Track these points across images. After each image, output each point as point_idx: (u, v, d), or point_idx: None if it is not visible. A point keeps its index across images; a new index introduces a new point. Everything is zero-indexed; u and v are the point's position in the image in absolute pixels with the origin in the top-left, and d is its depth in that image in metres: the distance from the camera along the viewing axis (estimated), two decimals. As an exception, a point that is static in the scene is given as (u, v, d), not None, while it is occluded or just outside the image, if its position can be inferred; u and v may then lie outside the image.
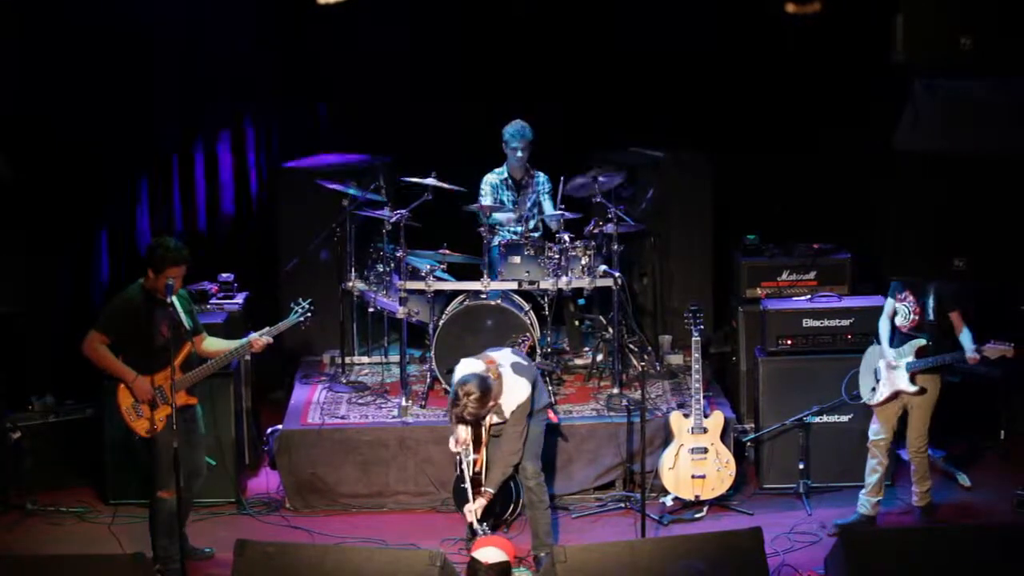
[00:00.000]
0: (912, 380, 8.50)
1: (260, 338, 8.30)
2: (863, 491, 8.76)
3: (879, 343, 8.69)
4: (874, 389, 8.66)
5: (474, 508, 8.27)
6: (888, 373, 8.58)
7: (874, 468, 8.71)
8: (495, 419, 8.24)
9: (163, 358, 8.01)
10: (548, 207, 10.12)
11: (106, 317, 8.08)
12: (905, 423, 8.71)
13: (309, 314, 8.49)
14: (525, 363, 8.30)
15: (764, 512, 9.06)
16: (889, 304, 8.67)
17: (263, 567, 7.32)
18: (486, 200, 10.01)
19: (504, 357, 8.28)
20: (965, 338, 8.43)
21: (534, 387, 8.28)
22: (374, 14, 10.88)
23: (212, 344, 8.40)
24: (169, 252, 7.98)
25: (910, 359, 8.50)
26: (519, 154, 10.00)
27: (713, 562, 7.34)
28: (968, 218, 9.50)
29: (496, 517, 8.84)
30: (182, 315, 8.13)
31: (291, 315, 8.48)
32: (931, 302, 8.43)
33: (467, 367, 8.12)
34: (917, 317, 8.48)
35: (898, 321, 8.57)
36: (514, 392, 8.13)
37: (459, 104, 10.97)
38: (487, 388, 7.93)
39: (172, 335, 8.02)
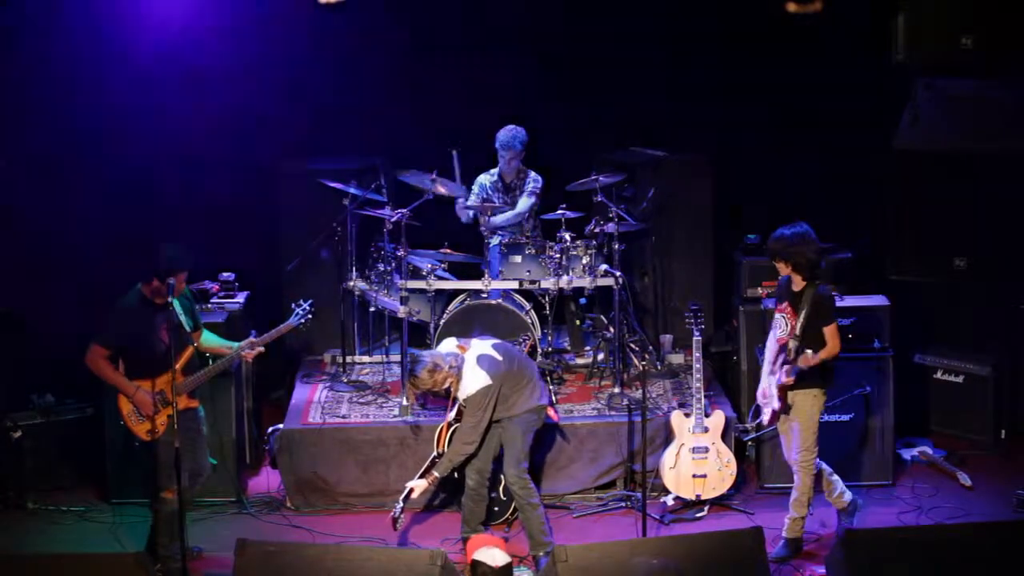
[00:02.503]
0: (780, 396, 8.28)
1: (252, 349, 8.34)
2: (829, 497, 8.60)
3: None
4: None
5: (412, 485, 8.41)
6: (769, 391, 8.41)
7: (825, 479, 8.57)
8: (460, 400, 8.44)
9: (164, 362, 8.01)
10: (521, 203, 10.08)
11: (105, 329, 8.05)
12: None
13: (309, 316, 8.52)
14: (499, 358, 8.35)
15: (765, 511, 9.05)
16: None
17: (264, 566, 7.33)
18: (472, 199, 10.02)
19: (479, 347, 8.42)
20: (792, 368, 8.15)
21: (517, 385, 8.35)
22: (373, 12, 10.86)
23: (209, 340, 8.42)
24: (176, 258, 7.98)
25: (780, 376, 8.32)
26: (507, 162, 10.00)
27: (714, 562, 7.34)
28: (968, 217, 9.52)
29: (496, 516, 8.87)
30: (182, 317, 8.14)
31: (291, 317, 8.51)
32: (803, 316, 8.17)
33: (443, 346, 8.52)
34: (791, 329, 8.22)
35: (777, 333, 8.34)
36: (469, 382, 8.29)
37: (460, 103, 10.96)
38: (432, 370, 8.26)
39: (173, 339, 8.01)
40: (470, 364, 8.33)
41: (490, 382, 8.26)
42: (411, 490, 8.42)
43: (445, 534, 8.78)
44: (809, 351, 8.05)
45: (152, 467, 8.20)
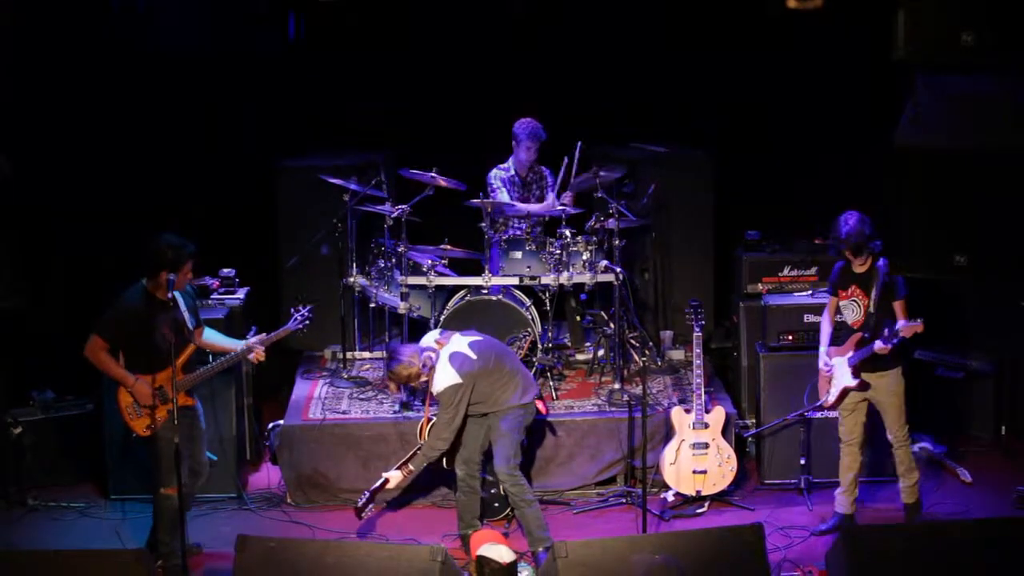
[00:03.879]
0: (855, 374, 8.44)
1: (257, 350, 8.35)
2: (838, 490, 8.73)
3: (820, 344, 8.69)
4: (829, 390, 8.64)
5: (387, 476, 8.46)
6: (836, 371, 8.53)
7: (848, 467, 8.66)
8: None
9: (165, 358, 8.01)
10: (549, 201, 10.10)
11: (107, 322, 8.04)
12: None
13: (308, 321, 8.54)
14: (472, 356, 8.34)
15: (765, 507, 9.06)
16: (831, 302, 8.60)
17: (264, 562, 7.32)
18: (502, 194, 10.01)
19: (455, 344, 8.42)
20: (898, 325, 8.34)
21: (497, 382, 8.34)
22: (374, 11, 10.86)
23: (210, 337, 8.42)
24: (182, 251, 7.98)
25: (850, 353, 8.45)
26: (531, 153, 9.98)
27: (714, 558, 7.34)
28: (969, 214, 9.52)
29: (496, 512, 8.87)
30: (185, 314, 8.14)
31: (290, 321, 8.53)
32: (875, 293, 8.35)
33: (425, 340, 8.52)
34: (865, 309, 8.39)
35: (849, 318, 8.47)
36: (439, 379, 8.30)
37: (461, 100, 10.96)
38: (407, 365, 8.28)
39: (175, 336, 8.01)
40: (443, 361, 8.33)
41: (459, 380, 8.26)
42: (386, 480, 8.46)
43: (445, 530, 8.77)
44: (902, 322, 8.23)
45: (152, 464, 8.20)
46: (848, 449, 8.66)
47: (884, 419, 8.57)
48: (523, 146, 9.97)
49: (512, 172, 10.13)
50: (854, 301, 8.43)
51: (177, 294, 8.10)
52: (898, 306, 8.35)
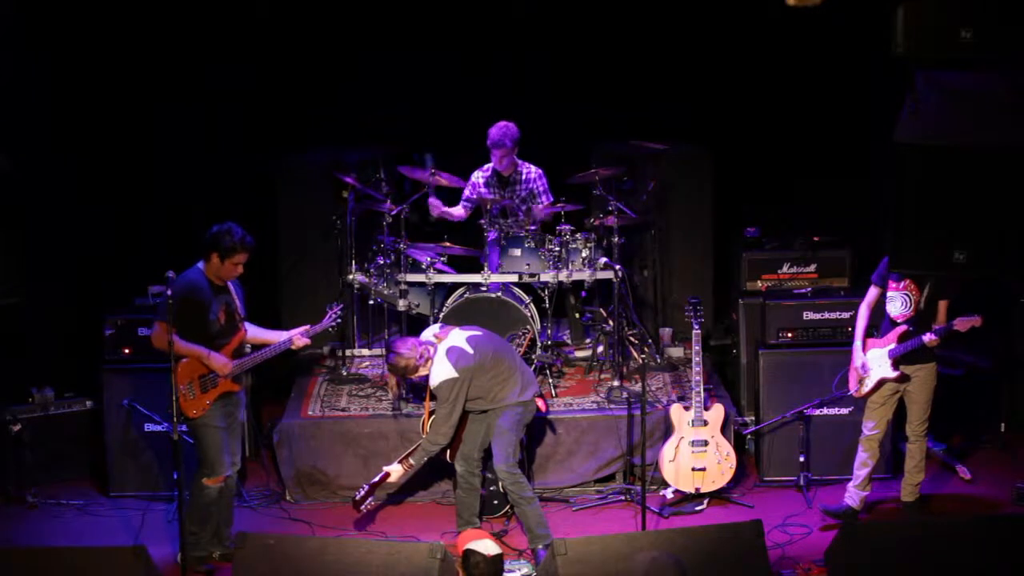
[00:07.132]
0: (895, 366, 8.51)
1: (302, 338, 8.38)
2: (851, 483, 8.77)
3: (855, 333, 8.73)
4: (861, 380, 8.66)
5: (388, 469, 8.51)
6: (874, 362, 8.58)
7: (864, 462, 8.70)
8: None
9: (216, 343, 8.07)
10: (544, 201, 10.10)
11: (167, 306, 7.92)
12: (903, 416, 8.73)
13: (339, 320, 8.61)
14: (469, 351, 8.35)
15: (764, 504, 9.06)
16: (872, 292, 8.65)
17: (263, 559, 7.32)
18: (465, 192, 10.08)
19: (453, 339, 8.43)
20: (956, 321, 8.45)
21: (496, 378, 8.35)
22: (375, 8, 10.87)
23: (251, 331, 8.43)
24: (237, 240, 8.03)
25: (892, 345, 8.51)
26: (499, 160, 9.99)
27: (713, 555, 7.34)
28: (968, 210, 9.51)
29: (496, 509, 8.88)
30: (238, 302, 8.18)
31: (325, 318, 8.54)
32: (927, 289, 8.43)
33: (425, 333, 8.58)
34: (915, 306, 8.47)
35: (894, 310, 8.53)
36: (436, 373, 8.33)
37: (461, 97, 10.96)
38: (406, 357, 8.33)
39: (227, 322, 8.09)
40: (440, 355, 8.36)
41: (455, 375, 8.28)
42: (386, 474, 8.47)
43: (445, 527, 8.78)
44: (960, 319, 8.38)
45: (199, 453, 8.19)
46: (869, 444, 8.68)
47: (909, 412, 8.64)
48: (492, 152, 9.97)
49: (490, 173, 10.12)
50: (905, 295, 8.49)
51: (231, 282, 8.13)
52: (943, 305, 8.45)
